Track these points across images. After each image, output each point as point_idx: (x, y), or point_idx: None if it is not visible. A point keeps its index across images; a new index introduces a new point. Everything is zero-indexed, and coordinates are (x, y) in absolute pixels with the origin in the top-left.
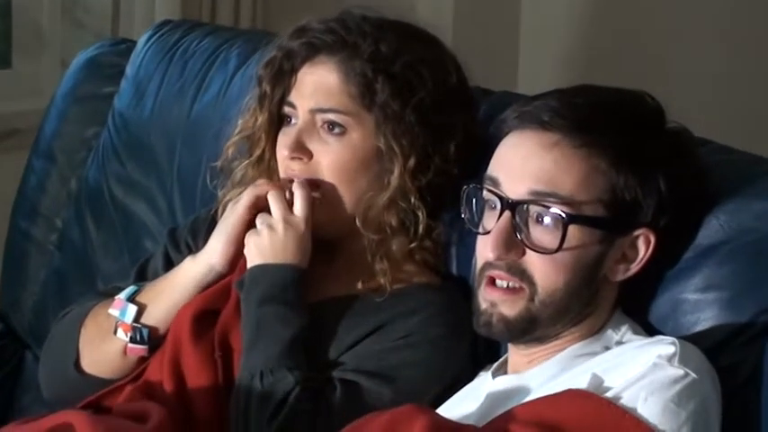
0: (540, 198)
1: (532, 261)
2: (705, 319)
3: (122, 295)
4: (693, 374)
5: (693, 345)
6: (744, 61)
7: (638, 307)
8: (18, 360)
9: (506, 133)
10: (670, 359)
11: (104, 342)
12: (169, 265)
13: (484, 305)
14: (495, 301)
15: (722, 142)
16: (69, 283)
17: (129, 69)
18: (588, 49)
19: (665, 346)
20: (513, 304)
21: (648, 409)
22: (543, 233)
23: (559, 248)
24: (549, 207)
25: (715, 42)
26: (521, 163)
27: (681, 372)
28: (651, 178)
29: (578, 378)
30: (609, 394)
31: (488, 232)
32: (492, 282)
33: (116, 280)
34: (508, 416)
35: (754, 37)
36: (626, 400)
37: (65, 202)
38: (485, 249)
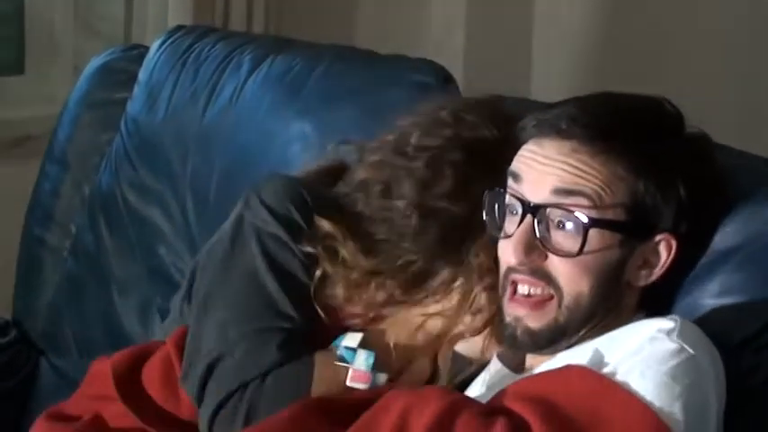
0: (561, 201)
1: (555, 265)
2: (722, 324)
3: (364, 367)
4: (690, 350)
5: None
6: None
7: (657, 313)
8: (32, 366)
9: (525, 140)
10: (669, 333)
11: None
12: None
13: (509, 318)
14: (521, 315)
15: (738, 146)
16: (83, 289)
17: (142, 75)
18: (601, 55)
19: (665, 321)
20: (539, 317)
21: (643, 384)
22: (565, 237)
23: (581, 251)
24: (570, 211)
25: (732, 43)
26: (541, 169)
27: (677, 346)
28: (671, 184)
29: (580, 353)
30: (607, 369)
31: (510, 236)
32: (514, 291)
33: (130, 285)
34: (505, 392)
35: None
36: (622, 374)
37: (78, 208)
38: (506, 254)
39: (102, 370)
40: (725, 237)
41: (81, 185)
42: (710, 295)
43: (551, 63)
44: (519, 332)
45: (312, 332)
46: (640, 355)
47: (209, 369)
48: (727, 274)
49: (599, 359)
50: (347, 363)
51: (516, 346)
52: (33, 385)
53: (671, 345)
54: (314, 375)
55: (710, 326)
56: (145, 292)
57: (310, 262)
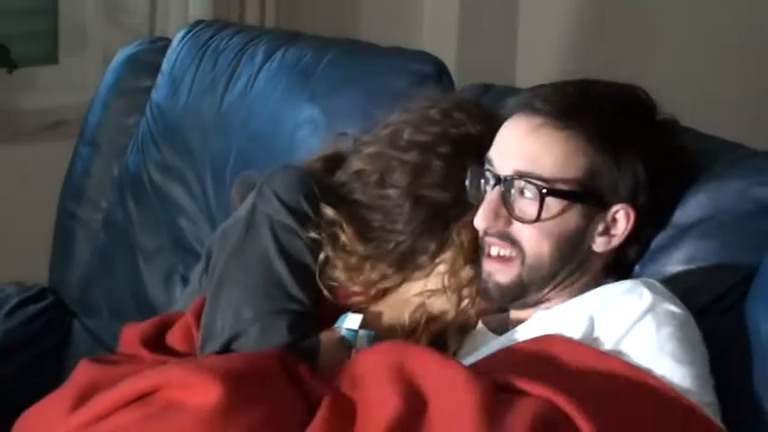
0: (523, 173)
1: (519, 229)
2: (688, 289)
3: (366, 347)
4: (680, 310)
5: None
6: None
7: (626, 278)
8: (67, 328)
9: (505, 119)
10: (640, 295)
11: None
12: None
13: (484, 274)
14: (491, 270)
15: (707, 131)
16: (113, 260)
17: (165, 65)
18: (583, 50)
19: (633, 283)
20: (506, 273)
21: (637, 347)
22: (525, 204)
23: (538, 217)
24: (530, 181)
25: (703, 35)
26: (510, 144)
27: (651, 300)
28: (629, 160)
29: (574, 321)
30: (596, 332)
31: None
32: (488, 251)
33: (155, 255)
34: (489, 360)
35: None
36: (607, 336)
37: (108, 186)
38: (478, 218)
39: (131, 335)
40: (689, 210)
41: (110, 165)
42: (676, 263)
43: (535, 55)
44: (490, 285)
45: (317, 312)
46: (628, 331)
47: (226, 347)
48: (692, 244)
49: (590, 330)
50: (350, 343)
51: (488, 298)
52: (68, 346)
53: (646, 300)
54: (320, 355)
55: (677, 290)
56: (168, 262)
57: (316, 247)
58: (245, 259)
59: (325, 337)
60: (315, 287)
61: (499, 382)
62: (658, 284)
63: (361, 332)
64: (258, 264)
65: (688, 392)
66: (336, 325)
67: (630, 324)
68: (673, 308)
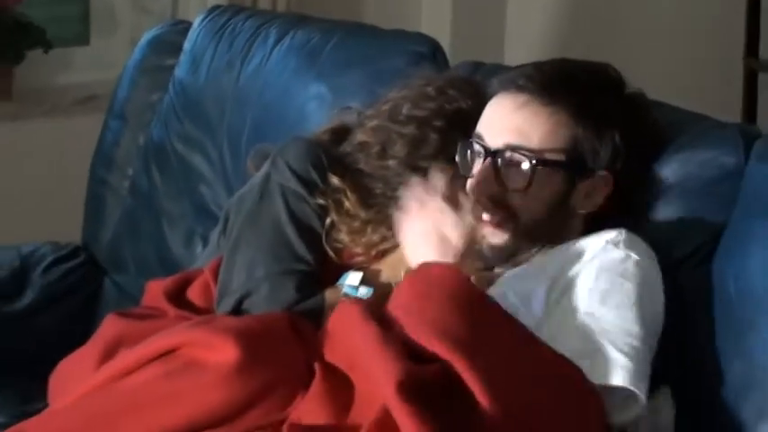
0: (514, 146)
1: (511, 196)
2: (663, 245)
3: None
4: (636, 256)
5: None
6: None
7: None
8: (98, 284)
9: (491, 96)
10: (616, 244)
11: None
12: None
13: (477, 237)
14: (485, 233)
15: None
16: (139, 222)
17: (187, 45)
18: (565, 31)
19: (613, 233)
20: (498, 236)
21: (600, 285)
22: (517, 174)
23: (529, 186)
24: (520, 153)
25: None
26: (498, 119)
27: (624, 254)
28: (607, 131)
29: (539, 264)
30: (569, 275)
31: (473, 176)
32: (481, 217)
33: (177, 218)
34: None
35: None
36: (582, 279)
37: (135, 155)
38: (472, 187)
39: (155, 290)
40: (663, 177)
41: (137, 136)
42: (651, 223)
43: (522, 35)
44: (484, 247)
45: (323, 271)
46: (594, 262)
47: (239, 302)
48: (665, 207)
49: (559, 271)
50: (344, 284)
51: (481, 259)
52: (99, 299)
53: (620, 252)
54: (325, 311)
55: (653, 245)
56: (189, 224)
57: (323, 212)
58: (259, 223)
59: (329, 294)
60: (321, 249)
61: (410, 343)
62: (635, 236)
63: (362, 289)
64: (270, 228)
65: (602, 334)
66: (339, 282)
67: (591, 257)
68: (645, 264)
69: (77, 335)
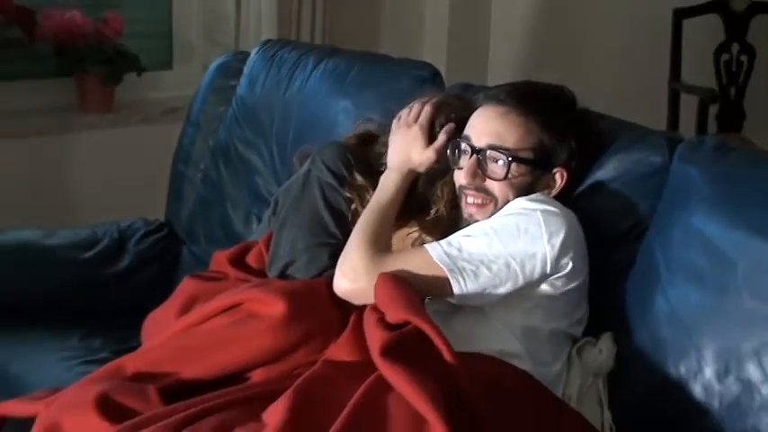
0: (494, 146)
1: (491, 184)
2: (605, 226)
3: None
4: (556, 209)
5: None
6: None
7: None
8: (177, 252)
9: (478, 107)
10: (531, 200)
11: None
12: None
13: (465, 215)
14: (471, 212)
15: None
16: (209, 205)
17: (246, 70)
18: (535, 55)
19: (535, 195)
20: (482, 214)
21: (500, 220)
22: (496, 167)
23: (506, 177)
24: (500, 152)
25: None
26: (483, 125)
27: (543, 206)
28: (565, 138)
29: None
30: (484, 224)
31: (462, 168)
32: (467, 200)
33: (238, 201)
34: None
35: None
36: (500, 226)
37: (206, 153)
38: (460, 178)
39: (220, 258)
40: (604, 172)
41: (207, 139)
42: (592, 209)
43: (501, 62)
44: (471, 222)
45: None
46: (514, 213)
47: (285, 268)
48: (606, 194)
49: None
50: None
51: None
52: (178, 263)
53: (540, 205)
54: None
55: (599, 220)
56: (247, 206)
57: (350, 201)
58: (301, 208)
59: None
60: (348, 228)
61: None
62: (550, 199)
63: None
64: (309, 211)
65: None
66: None
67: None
68: (544, 207)
69: (162, 291)
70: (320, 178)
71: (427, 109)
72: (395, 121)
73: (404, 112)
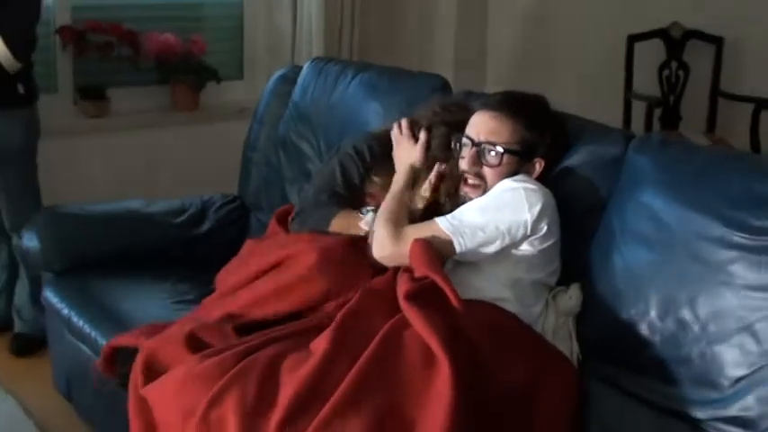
0: (490, 140)
1: (486, 171)
2: (574, 201)
3: (369, 218)
4: (534, 186)
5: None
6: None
7: None
8: (246, 219)
9: (476, 110)
10: (515, 180)
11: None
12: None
13: (462, 193)
14: (467, 191)
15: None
16: (271, 183)
17: (299, 80)
18: (521, 72)
19: (518, 176)
20: (476, 193)
21: (486, 199)
22: (491, 157)
23: (499, 165)
24: (494, 145)
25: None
26: (481, 124)
27: (515, 184)
28: (544, 134)
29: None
30: (479, 200)
31: (464, 157)
32: (466, 182)
33: (293, 180)
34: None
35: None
36: (491, 200)
37: (269, 144)
38: (462, 165)
39: (274, 219)
40: (575, 160)
41: (270, 133)
42: (562, 191)
43: (496, 75)
44: (466, 200)
45: (354, 205)
46: (498, 191)
47: (298, 213)
48: (577, 177)
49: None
50: (362, 215)
51: (458, 205)
52: (247, 227)
53: (520, 184)
54: (340, 214)
55: (568, 199)
56: (300, 184)
57: (366, 174)
58: (323, 171)
59: (344, 211)
60: (356, 191)
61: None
62: (531, 179)
63: (370, 214)
64: (328, 172)
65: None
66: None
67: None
68: (526, 185)
69: (234, 249)
70: (344, 152)
71: (404, 123)
72: (392, 137)
73: (395, 131)
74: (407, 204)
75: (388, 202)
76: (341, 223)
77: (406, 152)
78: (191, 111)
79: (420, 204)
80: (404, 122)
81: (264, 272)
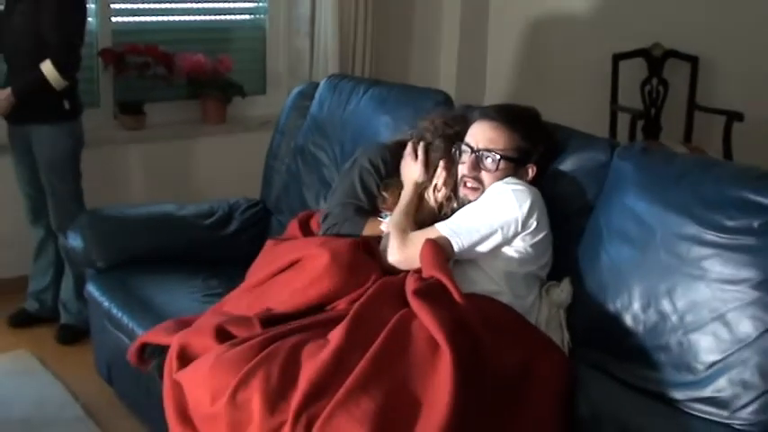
0: (488, 148)
1: (484, 175)
2: (564, 203)
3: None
4: (523, 187)
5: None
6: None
7: None
8: (268, 221)
9: (474, 120)
10: (507, 183)
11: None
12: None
13: (461, 195)
14: (467, 193)
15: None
16: (290, 189)
17: (317, 95)
18: (517, 87)
19: (508, 179)
20: (474, 195)
21: (483, 197)
22: (489, 163)
23: (496, 170)
24: (492, 152)
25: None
26: (480, 133)
27: (513, 186)
28: (537, 144)
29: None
30: (474, 204)
31: (464, 163)
32: (465, 185)
33: (310, 186)
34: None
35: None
36: (485, 203)
37: (289, 152)
38: (462, 170)
39: (294, 223)
40: (565, 166)
41: (290, 142)
42: (552, 193)
43: (494, 89)
44: (465, 203)
45: (373, 212)
46: (492, 192)
47: (325, 217)
48: (567, 182)
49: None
50: (382, 219)
51: (459, 208)
52: (269, 229)
53: (513, 185)
54: (367, 223)
55: (559, 201)
56: (317, 189)
57: (381, 185)
58: (343, 182)
59: (371, 220)
60: (374, 200)
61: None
62: (523, 182)
63: (388, 218)
64: (349, 185)
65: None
66: (380, 217)
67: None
68: (515, 186)
69: (258, 248)
70: (362, 165)
71: (409, 146)
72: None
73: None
74: (414, 215)
75: (395, 216)
76: (368, 229)
77: (409, 169)
78: (219, 123)
79: (440, 199)
80: (409, 145)
81: (282, 270)
